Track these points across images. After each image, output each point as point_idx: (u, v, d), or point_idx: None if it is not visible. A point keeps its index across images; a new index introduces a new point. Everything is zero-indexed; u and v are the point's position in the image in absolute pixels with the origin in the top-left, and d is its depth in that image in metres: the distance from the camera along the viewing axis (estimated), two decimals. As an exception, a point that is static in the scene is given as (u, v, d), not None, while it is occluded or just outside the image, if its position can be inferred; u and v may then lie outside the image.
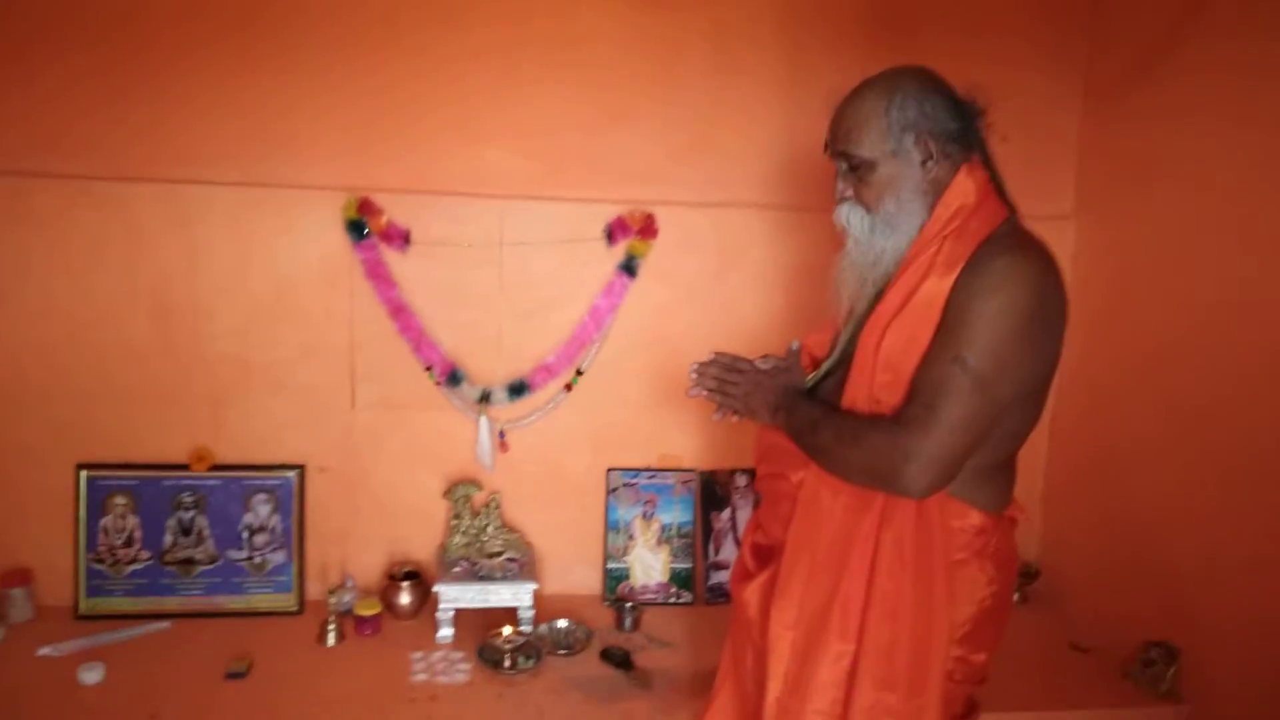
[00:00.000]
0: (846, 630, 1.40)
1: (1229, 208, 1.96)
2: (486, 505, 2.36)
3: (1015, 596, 2.51)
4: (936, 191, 1.39)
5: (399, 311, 2.25)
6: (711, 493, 2.47)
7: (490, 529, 2.35)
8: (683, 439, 2.46)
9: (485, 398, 2.32)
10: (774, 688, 1.45)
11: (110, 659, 2.03)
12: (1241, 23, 1.93)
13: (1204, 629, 2.00)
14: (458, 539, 2.33)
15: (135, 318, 2.22)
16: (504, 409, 2.36)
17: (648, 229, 2.29)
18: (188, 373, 2.26)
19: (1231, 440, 1.94)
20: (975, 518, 1.42)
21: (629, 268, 2.30)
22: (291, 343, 2.28)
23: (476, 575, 2.24)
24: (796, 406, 1.46)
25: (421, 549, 2.42)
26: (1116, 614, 2.27)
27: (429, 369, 2.29)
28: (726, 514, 2.46)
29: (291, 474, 2.32)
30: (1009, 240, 1.35)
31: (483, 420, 2.32)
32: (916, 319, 1.33)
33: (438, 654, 2.14)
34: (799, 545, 1.46)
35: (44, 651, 2.07)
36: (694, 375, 1.56)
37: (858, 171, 1.42)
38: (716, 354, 1.57)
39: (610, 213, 2.30)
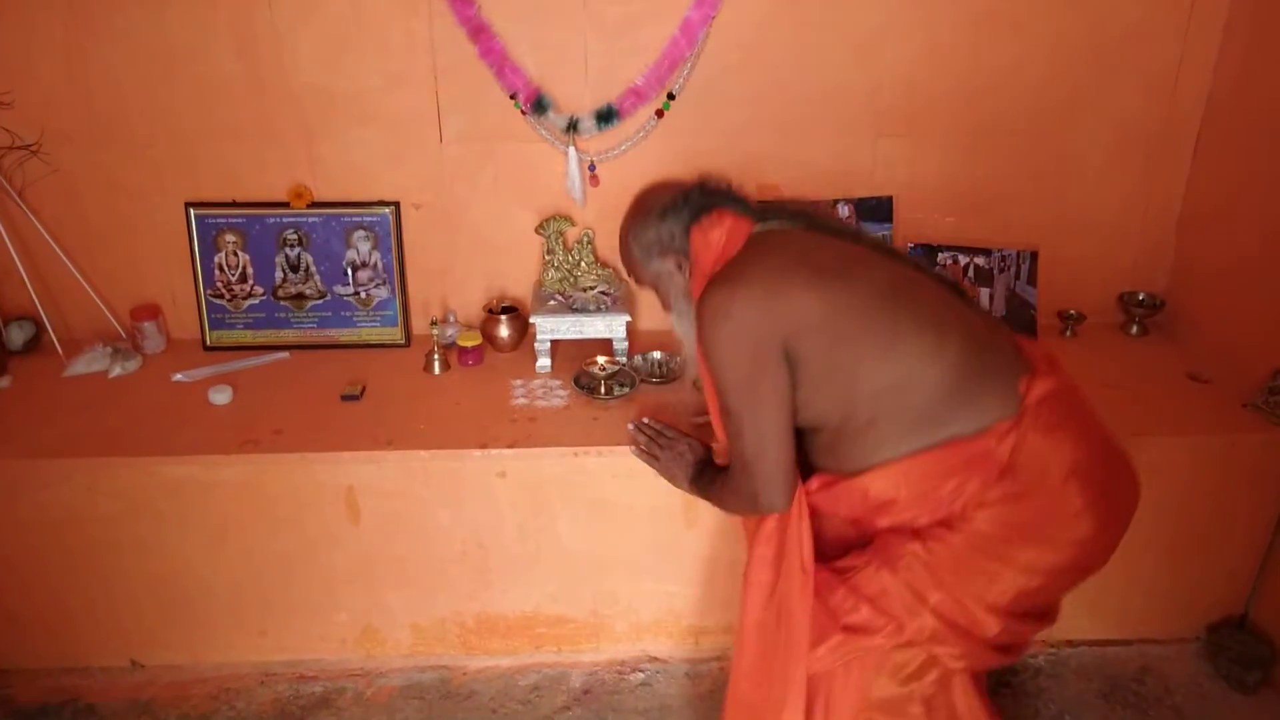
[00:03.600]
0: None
1: None
2: (579, 241, 2.33)
3: (1127, 316, 2.40)
4: None
5: (479, 32, 2.13)
6: (813, 226, 2.35)
7: (584, 264, 2.33)
8: (783, 168, 2.32)
9: (573, 126, 2.22)
10: None
11: (237, 383, 2.18)
12: None
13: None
14: (552, 274, 2.33)
15: (220, 50, 2.17)
16: (593, 139, 2.27)
17: (744, -76, 2.05)
18: (278, 107, 2.23)
19: None
20: (866, 484, 1.45)
21: (724, -28, 2.09)
22: (374, 72, 2.20)
23: (571, 308, 2.25)
24: (701, 477, 1.73)
25: (518, 285, 2.44)
26: (1244, 346, 2.13)
27: (513, 96, 2.20)
28: (827, 246, 2.36)
29: (387, 210, 2.33)
30: (705, 290, 1.49)
31: (571, 151, 2.24)
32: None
33: (536, 381, 2.21)
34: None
35: (177, 378, 2.23)
36: (630, 431, 1.93)
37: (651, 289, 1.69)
38: (651, 421, 1.92)
39: (703, -94, 2.06)
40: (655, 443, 1.87)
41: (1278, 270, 2.04)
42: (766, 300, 1.43)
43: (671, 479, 1.83)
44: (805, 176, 2.34)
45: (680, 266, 1.60)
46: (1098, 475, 1.40)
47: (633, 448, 1.91)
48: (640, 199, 1.67)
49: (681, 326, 1.66)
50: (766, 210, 1.59)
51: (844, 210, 2.34)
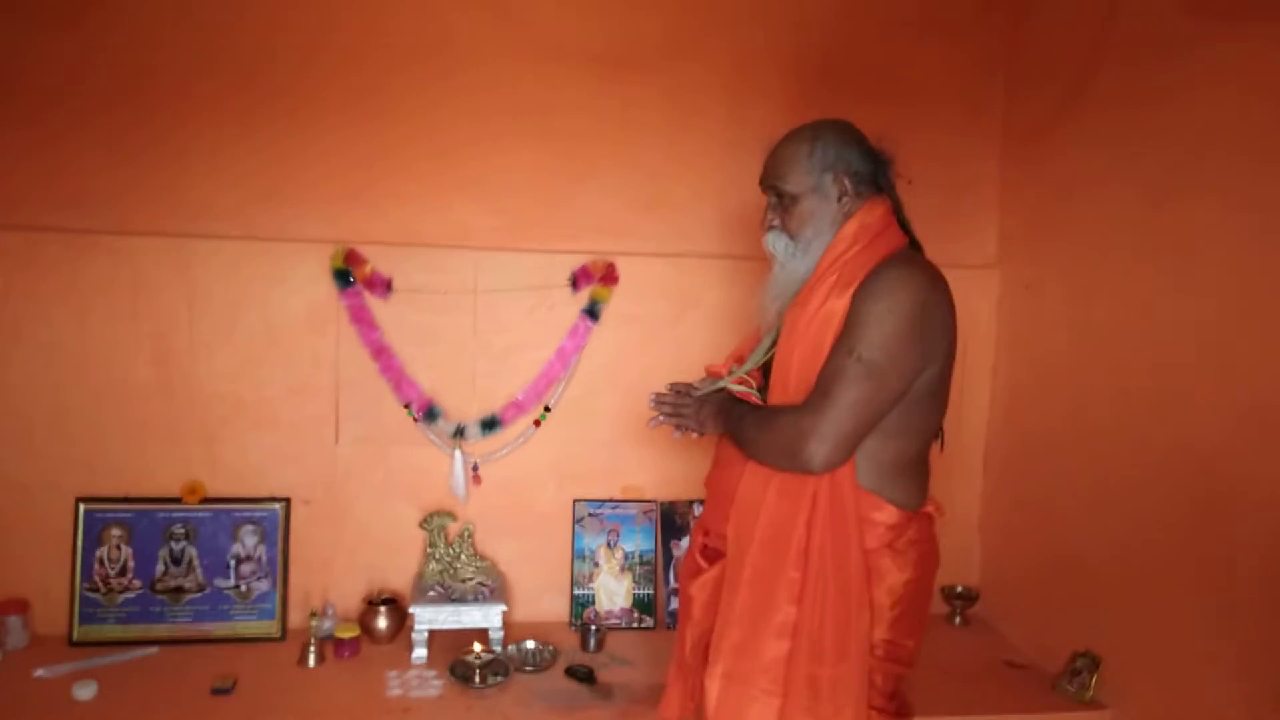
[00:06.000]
0: (788, 613, 1.57)
1: (1144, 258, 2.12)
2: (460, 535, 2.51)
3: (951, 608, 2.69)
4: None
5: (380, 353, 2.44)
6: (671, 522, 2.63)
7: (463, 557, 2.50)
8: (644, 472, 2.63)
9: (460, 433, 2.49)
10: (723, 662, 1.60)
11: (102, 680, 2.14)
12: (1135, 85, 2.14)
13: (1120, 638, 2.16)
14: (433, 566, 2.48)
15: (137, 360, 2.39)
16: (477, 444, 2.53)
17: (609, 276, 2.51)
18: (184, 411, 2.42)
19: (1141, 470, 2.12)
20: (889, 512, 1.61)
21: (592, 312, 2.51)
22: (280, 383, 2.45)
23: (450, 598, 2.38)
24: (732, 409, 1.70)
25: (399, 577, 2.56)
26: (1049, 632, 2.41)
27: (408, 406, 2.47)
28: (686, 541, 2.62)
29: (277, 506, 2.47)
30: (901, 260, 1.60)
31: (457, 454, 2.49)
32: (820, 330, 1.59)
33: (412, 672, 2.27)
34: (740, 533, 1.64)
35: (39, 673, 2.18)
36: (652, 404, 1.79)
37: (784, 203, 1.68)
38: (670, 385, 1.81)
39: (575, 262, 2.51)
40: (678, 403, 1.77)
41: (1062, 563, 2.39)
42: (949, 313, 1.60)
43: (701, 425, 1.75)
44: (663, 480, 2.64)
45: (841, 201, 1.64)
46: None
47: (653, 419, 1.80)
48: (848, 124, 1.70)
49: (789, 250, 1.67)
50: (913, 240, 1.71)
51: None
